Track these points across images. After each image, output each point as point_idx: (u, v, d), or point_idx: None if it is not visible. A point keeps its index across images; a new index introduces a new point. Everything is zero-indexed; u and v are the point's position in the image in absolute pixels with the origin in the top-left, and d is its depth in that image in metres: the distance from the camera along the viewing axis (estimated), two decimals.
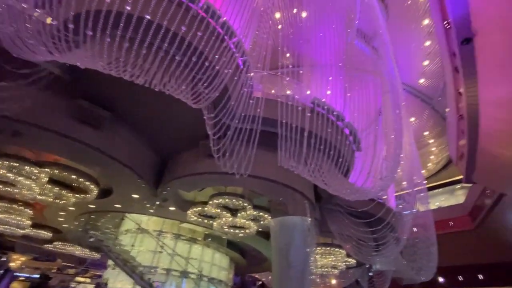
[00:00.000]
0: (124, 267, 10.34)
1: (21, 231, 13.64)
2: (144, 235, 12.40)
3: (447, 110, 15.82)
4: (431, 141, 22.71)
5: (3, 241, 17.04)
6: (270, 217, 9.10)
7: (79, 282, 25.29)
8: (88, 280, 26.51)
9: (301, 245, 9.18)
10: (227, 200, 8.14)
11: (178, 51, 3.90)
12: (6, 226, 11.77)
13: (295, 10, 15.66)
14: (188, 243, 13.36)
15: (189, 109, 5.33)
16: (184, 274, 12.35)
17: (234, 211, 8.89)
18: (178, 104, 5.16)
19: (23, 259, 21.66)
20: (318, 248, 12.31)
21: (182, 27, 3.81)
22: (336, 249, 12.95)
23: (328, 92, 12.60)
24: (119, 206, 10.03)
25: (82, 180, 8.00)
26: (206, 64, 4.18)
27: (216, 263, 14.59)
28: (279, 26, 16.46)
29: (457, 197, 26.08)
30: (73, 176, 7.81)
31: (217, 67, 4.37)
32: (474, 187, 18.76)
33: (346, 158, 7.31)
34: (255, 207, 8.84)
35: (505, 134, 10.54)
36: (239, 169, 6.91)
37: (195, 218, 9.07)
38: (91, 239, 11.11)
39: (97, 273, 24.90)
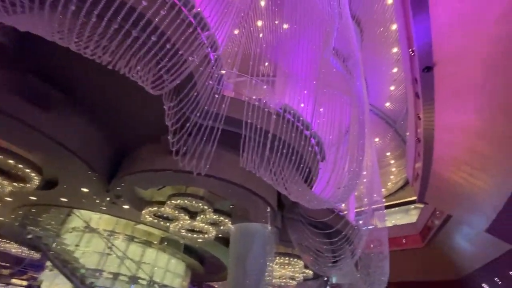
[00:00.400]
0: (64, 268, 9.29)
1: None
2: (92, 234, 11.35)
3: (407, 133, 16.99)
4: (392, 161, 24.17)
5: None
6: (230, 223, 8.82)
7: (11, 285, 22.38)
8: (24, 283, 23.59)
9: (259, 253, 8.98)
10: (186, 201, 7.72)
11: (135, 28, 3.60)
12: None
13: (277, 22, 15.97)
14: (142, 246, 12.49)
15: (153, 101, 5.00)
16: (133, 279, 11.46)
17: (193, 214, 8.47)
18: (141, 94, 4.80)
19: None
20: (277, 257, 12.19)
21: (142, 1, 3.54)
22: (295, 260, 12.93)
23: (302, 105, 12.88)
24: (65, 200, 9.07)
25: (21, 166, 7.06)
26: (168, 46, 3.92)
27: (171, 270, 13.80)
28: (261, 35, 16.67)
29: (411, 216, 27.79)
30: (11, 161, 6.87)
31: (180, 52, 4.13)
32: (426, 207, 20.15)
33: (309, 166, 7.35)
34: (216, 211, 8.52)
35: (454, 160, 11.46)
36: (198, 168, 6.63)
37: (151, 219, 8.48)
38: (29, 236, 9.85)
39: (36, 276, 22.28)
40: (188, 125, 5.01)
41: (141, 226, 12.57)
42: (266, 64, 16.33)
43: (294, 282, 16.03)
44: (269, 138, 5.89)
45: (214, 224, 8.82)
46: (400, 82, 17.47)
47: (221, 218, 8.37)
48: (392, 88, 18.19)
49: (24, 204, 9.76)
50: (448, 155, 11.26)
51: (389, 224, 27.54)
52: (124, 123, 6.76)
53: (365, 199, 15.37)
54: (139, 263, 12.16)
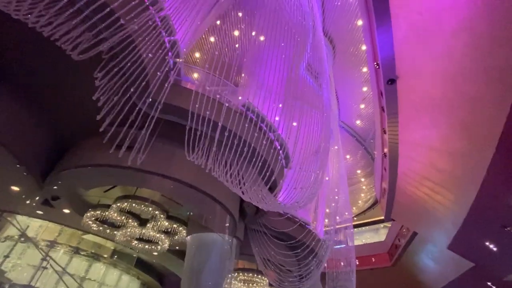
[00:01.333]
0: None
1: None
2: (28, 245, 9.88)
3: (375, 152, 17.42)
4: (362, 179, 24.60)
5: None
6: (185, 232, 8.05)
7: None
8: None
9: (216, 267, 8.21)
10: (134, 205, 6.90)
11: None
12: None
13: (254, 33, 16.11)
14: (88, 260, 11.09)
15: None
16: None
17: (143, 221, 7.62)
18: (87, 78, 4.23)
19: None
20: (240, 273, 11.33)
21: None
22: (259, 276, 12.14)
23: (277, 118, 12.73)
24: None
25: None
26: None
27: None
28: (237, 45, 16.72)
29: (381, 236, 28.09)
30: None
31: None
32: (394, 225, 20.38)
33: (271, 169, 6.94)
34: (170, 218, 7.74)
35: (417, 175, 11.67)
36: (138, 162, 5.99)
37: (92, 224, 7.47)
38: None
39: None
40: (134, 114, 4.45)
41: (89, 237, 11.25)
42: (243, 75, 16.25)
43: None
44: (218, 134, 5.48)
45: (167, 233, 7.99)
46: (370, 100, 18.16)
47: (175, 226, 7.59)
48: (362, 106, 18.82)
49: None
50: (411, 170, 11.46)
51: (359, 242, 27.57)
52: (64, 112, 5.98)
53: (333, 215, 15.27)
54: (83, 280, 10.72)
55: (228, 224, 8.07)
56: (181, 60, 5.52)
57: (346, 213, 18.53)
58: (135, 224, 7.48)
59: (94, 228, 7.57)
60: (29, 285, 9.13)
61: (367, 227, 29.77)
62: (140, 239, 8.13)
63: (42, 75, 5.19)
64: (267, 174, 6.21)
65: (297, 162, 6.69)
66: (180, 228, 7.74)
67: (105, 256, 11.68)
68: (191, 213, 8.23)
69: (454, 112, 7.68)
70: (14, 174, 6.44)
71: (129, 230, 7.58)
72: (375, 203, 27.10)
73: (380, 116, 11.27)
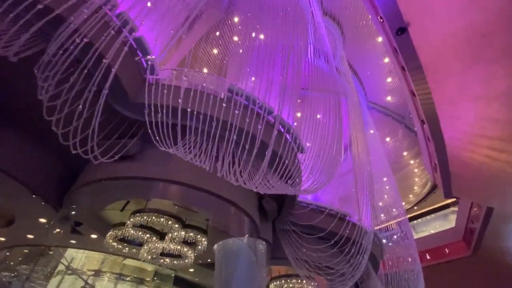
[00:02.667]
0: None
1: None
2: (76, 277, 10.41)
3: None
4: (412, 162, 21.80)
5: None
6: (205, 240, 7.60)
7: None
8: None
9: (246, 276, 7.53)
10: (145, 218, 6.73)
11: None
12: None
13: (253, 34, 15.93)
14: (132, 285, 11.27)
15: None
16: None
17: (162, 235, 7.41)
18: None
19: None
20: (283, 280, 10.38)
21: None
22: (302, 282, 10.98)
23: (298, 114, 12.10)
24: (31, 237, 8.41)
25: None
26: None
27: None
28: (240, 50, 16.67)
29: (451, 222, 24.36)
30: None
31: None
32: (462, 206, 17.38)
33: (281, 156, 6.22)
34: (188, 227, 7.40)
35: (468, 135, 9.72)
36: (140, 171, 5.81)
37: (115, 244, 7.48)
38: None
39: None
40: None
41: (130, 262, 11.50)
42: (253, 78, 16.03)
43: None
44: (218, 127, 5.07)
45: (189, 244, 7.63)
46: (396, 72, 16.30)
47: (191, 234, 7.20)
48: (388, 80, 16.97)
49: None
50: (459, 131, 9.58)
51: (426, 233, 24.19)
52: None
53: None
54: None
55: (246, 226, 7.43)
56: (152, 57, 5.35)
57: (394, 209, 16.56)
58: (154, 238, 7.29)
59: (119, 248, 7.54)
60: None
61: (432, 215, 26.16)
62: (165, 254, 7.90)
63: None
64: (272, 159, 5.56)
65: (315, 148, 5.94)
66: (198, 237, 7.32)
67: (148, 279, 11.78)
68: (210, 220, 7.79)
69: (487, 41, 6.19)
70: (34, 206, 6.80)
71: (150, 245, 7.40)
72: (434, 186, 23.73)
73: (404, 77, 9.83)
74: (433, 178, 14.39)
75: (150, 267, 11.93)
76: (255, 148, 5.33)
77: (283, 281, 10.39)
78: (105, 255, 11.21)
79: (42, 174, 6.34)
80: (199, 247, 7.73)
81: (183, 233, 7.20)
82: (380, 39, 15.22)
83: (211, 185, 6.77)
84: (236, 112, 5.65)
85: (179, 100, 5.23)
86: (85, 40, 4.23)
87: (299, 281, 10.72)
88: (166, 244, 7.25)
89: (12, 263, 9.32)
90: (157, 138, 5.22)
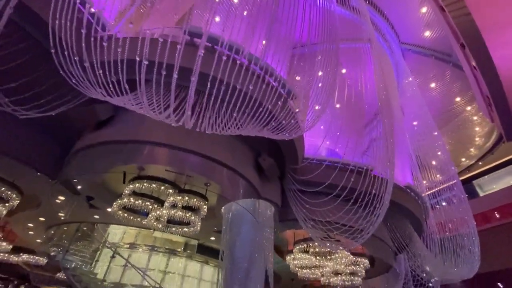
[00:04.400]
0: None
1: (16, 258, 13.91)
2: (114, 249, 11.45)
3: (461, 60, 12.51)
4: (468, 108, 18.25)
5: (20, 272, 17.78)
6: (204, 205, 7.38)
7: None
8: None
9: (250, 238, 7.16)
10: (139, 185, 6.77)
11: None
12: None
13: None
14: (165, 256, 12.00)
15: None
16: None
17: (162, 202, 7.42)
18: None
19: None
20: (304, 244, 9.77)
21: None
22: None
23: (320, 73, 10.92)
24: (62, 215, 9.33)
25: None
26: None
27: (207, 279, 12.84)
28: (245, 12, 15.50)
29: None
30: None
31: None
32: None
33: (265, 107, 5.45)
34: (184, 192, 7.25)
35: None
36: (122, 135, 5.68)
37: (122, 214, 7.76)
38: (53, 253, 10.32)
39: None
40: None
41: (160, 235, 12.20)
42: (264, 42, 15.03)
43: (358, 279, 12.78)
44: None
45: (192, 210, 7.50)
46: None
47: (186, 199, 7.02)
48: (423, 10, 13.99)
49: (51, 225, 10.47)
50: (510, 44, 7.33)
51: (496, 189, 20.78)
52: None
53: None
54: (165, 273, 11.64)
55: (242, 188, 6.95)
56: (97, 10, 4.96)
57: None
58: (156, 206, 7.34)
59: (127, 218, 7.77)
60: (119, 283, 10.45)
61: (502, 170, 22.15)
62: (173, 222, 7.95)
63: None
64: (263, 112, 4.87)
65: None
66: (194, 200, 7.12)
67: (179, 250, 12.39)
68: (208, 184, 7.52)
69: None
70: (45, 185, 7.36)
71: (154, 214, 7.50)
72: (500, 138, 19.73)
73: None
74: (489, 117, 11.70)
75: (180, 239, 12.50)
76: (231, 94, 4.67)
77: (304, 245, 9.79)
78: (138, 229, 12.08)
79: (42, 153, 6.73)
80: (202, 212, 7.56)
81: (179, 198, 7.07)
82: None
83: (197, 145, 6.41)
84: (199, 54, 4.99)
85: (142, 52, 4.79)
86: None
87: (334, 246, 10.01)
88: (167, 210, 7.23)
89: (55, 239, 10.62)
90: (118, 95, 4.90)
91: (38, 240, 12.24)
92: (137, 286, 10.61)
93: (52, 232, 10.54)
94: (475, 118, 18.88)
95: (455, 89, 17.36)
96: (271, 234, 7.56)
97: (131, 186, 6.82)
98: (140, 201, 7.16)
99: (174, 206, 7.35)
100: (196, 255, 12.68)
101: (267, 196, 7.57)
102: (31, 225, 10.29)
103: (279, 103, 5.72)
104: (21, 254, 13.64)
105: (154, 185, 6.84)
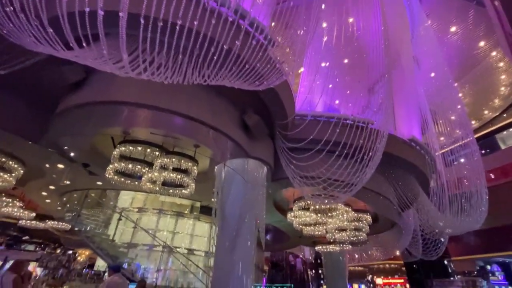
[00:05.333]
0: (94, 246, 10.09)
1: (42, 224, 15.23)
2: (125, 213, 12.16)
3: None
4: (493, 53, 16.35)
5: (53, 236, 19.66)
6: (193, 166, 7.36)
7: None
8: None
9: (237, 197, 7.15)
10: (124, 148, 6.78)
11: None
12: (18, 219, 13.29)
13: None
14: (173, 217, 12.60)
15: None
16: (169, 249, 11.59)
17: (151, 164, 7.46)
18: None
19: (87, 253, 24.29)
20: (301, 201, 9.77)
21: None
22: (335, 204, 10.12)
23: None
24: (68, 182, 9.79)
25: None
26: None
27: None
28: None
29: None
30: None
31: None
32: None
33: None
34: (172, 153, 7.22)
35: None
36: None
37: (117, 178, 7.96)
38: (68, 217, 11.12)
39: None
40: None
41: (167, 199, 12.72)
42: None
43: (363, 234, 12.90)
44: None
45: (183, 172, 7.52)
46: None
47: (174, 160, 7.00)
48: None
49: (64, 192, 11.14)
50: None
51: None
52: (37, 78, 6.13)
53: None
54: (175, 234, 12.33)
55: (229, 147, 6.76)
56: None
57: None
58: (147, 169, 7.41)
59: (122, 182, 7.90)
60: (130, 243, 11.24)
61: None
62: (167, 184, 8.07)
63: None
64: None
65: None
66: (182, 162, 7.10)
67: (186, 212, 12.95)
68: (198, 146, 7.43)
69: None
70: (39, 153, 7.58)
71: (146, 177, 7.61)
72: None
73: None
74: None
75: (186, 202, 13.00)
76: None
77: (303, 202, 9.79)
78: (146, 194, 12.62)
79: (28, 123, 6.78)
80: (193, 174, 7.59)
81: (166, 160, 7.06)
82: None
83: (179, 106, 6.15)
84: None
85: None
86: None
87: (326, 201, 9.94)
88: (158, 173, 7.29)
89: (68, 206, 11.34)
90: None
91: (59, 208, 13.16)
92: (148, 245, 11.38)
93: (65, 199, 11.24)
94: (500, 64, 17.02)
95: (479, 32, 15.45)
96: (263, 193, 7.52)
97: (117, 150, 6.85)
98: (130, 165, 7.24)
99: (164, 168, 7.40)
100: (203, 216, 13.22)
101: (257, 155, 7.38)
102: (44, 193, 10.99)
103: (254, 49, 5.19)
104: (46, 220, 14.91)
105: (139, 148, 6.82)
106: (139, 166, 7.31)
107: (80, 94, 5.79)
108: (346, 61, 12.31)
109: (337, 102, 10.32)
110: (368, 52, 9.66)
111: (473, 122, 21.74)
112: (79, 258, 22.85)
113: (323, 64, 10.35)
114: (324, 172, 6.37)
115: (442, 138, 13.18)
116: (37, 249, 21.51)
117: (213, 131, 6.56)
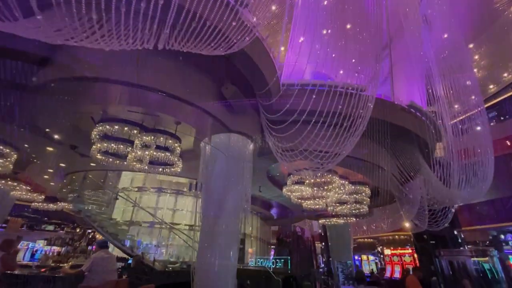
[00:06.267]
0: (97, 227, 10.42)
1: (54, 206, 15.93)
2: (125, 193, 12.45)
3: None
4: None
5: (70, 217, 20.67)
6: (175, 143, 7.17)
7: None
8: None
9: (222, 171, 6.98)
10: (101, 128, 6.62)
11: None
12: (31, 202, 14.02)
13: None
14: (172, 196, 12.82)
15: None
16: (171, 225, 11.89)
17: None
18: None
19: None
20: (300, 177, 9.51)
21: None
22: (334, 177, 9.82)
23: None
24: (64, 165, 9.97)
25: None
26: None
27: None
28: None
29: None
30: None
31: None
32: None
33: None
34: (151, 131, 7.04)
35: None
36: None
37: (104, 158, 7.93)
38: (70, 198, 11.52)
39: None
40: None
41: (165, 178, 12.84)
42: None
43: (364, 207, 12.66)
44: None
45: (167, 149, 7.38)
46: None
47: (153, 138, 6.82)
48: None
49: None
50: None
51: None
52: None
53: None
54: (175, 211, 12.59)
55: (208, 122, 6.48)
56: None
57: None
58: (130, 148, 7.32)
59: (108, 161, 7.82)
60: (130, 221, 11.57)
61: None
62: (155, 163, 7.99)
63: None
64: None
65: None
66: (162, 139, 6.92)
67: (185, 190, 13.10)
68: (178, 123, 7.19)
69: None
70: (31, 137, 7.62)
71: (130, 156, 7.53)
72: None
73: None
74: None
75: (183, 180, 13.08)
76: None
77: (296, 176, 9.55)
78: (145, 174, 12.78)
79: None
80: (176, 151, 7.44)
81: (146, 138, 6.91)
82: None
83: (154, 82, 5.88)
84: None
85: None
86: None
87: (319, 174, 9.67)
88: (141, 151, 7.18)
89: (69, 187, 11.67)
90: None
91: (64, 190, 13.62)
92: (148, 223, 11.71)
93: (65, 181, 11.57)
94: None
95: None
96: (250, 168, 7.31)
97: (96, 130, 6.73)
98: (113, 144, 7.15)
99: (147, 147, 7.28)
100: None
101: (240, 129, 7.09)
102: (46, 176, 11.33)
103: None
104: (58, 202, 15.56)
105: (116, 127, 6.66)
106: (121, 146, 7.22)
107: (47, 72, 5.60)
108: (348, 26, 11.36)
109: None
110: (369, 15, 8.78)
111: (490, 86, 20.15)
112: (98, 236, 24.07)
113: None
114: (309, 143, 6.00)
115: (456, 106, 12.25)
116: (56, 229, 22.76)
117: (191, 107, 6.30)
